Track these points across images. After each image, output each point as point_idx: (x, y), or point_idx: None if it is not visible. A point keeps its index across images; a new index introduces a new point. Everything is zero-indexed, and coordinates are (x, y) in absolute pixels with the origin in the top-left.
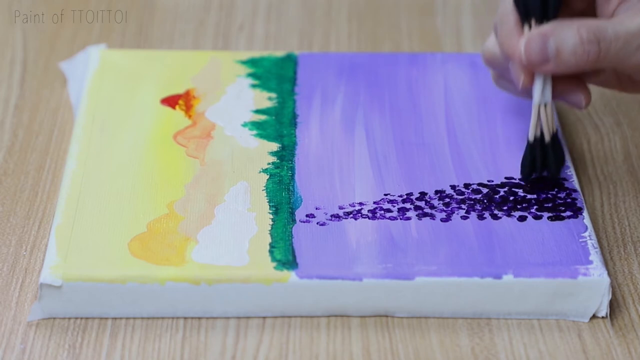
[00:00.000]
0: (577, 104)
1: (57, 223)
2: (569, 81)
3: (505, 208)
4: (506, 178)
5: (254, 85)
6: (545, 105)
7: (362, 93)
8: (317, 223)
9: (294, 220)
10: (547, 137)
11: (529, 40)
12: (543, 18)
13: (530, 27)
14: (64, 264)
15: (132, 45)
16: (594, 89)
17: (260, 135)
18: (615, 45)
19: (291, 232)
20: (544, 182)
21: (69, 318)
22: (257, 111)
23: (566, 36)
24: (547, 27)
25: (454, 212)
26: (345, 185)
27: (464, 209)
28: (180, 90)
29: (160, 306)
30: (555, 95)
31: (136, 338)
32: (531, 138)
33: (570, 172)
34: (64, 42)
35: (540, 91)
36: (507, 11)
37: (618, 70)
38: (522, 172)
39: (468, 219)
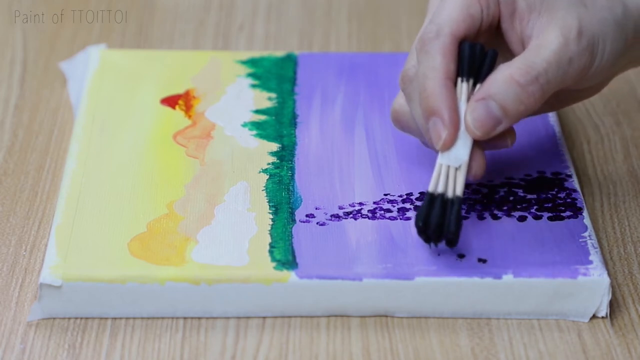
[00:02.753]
0: (502, 146)
1: (57, 223)
2: None
3: (505, 208)
4: (506, 178)
5: (253, 85)
6: (458, 168)
7: (362, 93)
8: (317, 223)
9: (293, 220)
10: (450, 195)
11: (472, 111)
12: (482, 77)
13: (468, 85)
14: (63, 264)
15: (132, 45)
16: None
17: (260, 135)
18: (552, 71)
19: (291, 232)
20: (544, 182)
21: (69, 318)
22: (257, 111)
23: (504, 90)
24: (482, 89)
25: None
26: (345, 185)
27: (464, 209)
28: (180, 90)
29: (160, 306)
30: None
31: (136, 338)
32: (431, 190)
33: (571, 172)
34: (64, 42)
35: (464, 152)
36: (434, 65)
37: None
38: (416, 221)
39: (468, 219)
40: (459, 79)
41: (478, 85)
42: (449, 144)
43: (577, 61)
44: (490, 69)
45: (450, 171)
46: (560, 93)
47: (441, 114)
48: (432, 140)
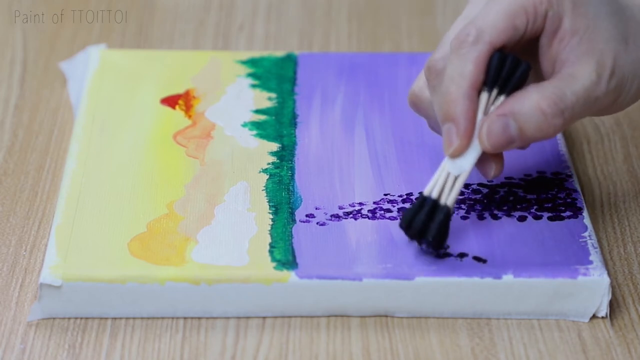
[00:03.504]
0: (485, 172)
1: (57, 223)
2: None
3: (505, 208)
4: (506, 178)
5: (253, 85)
6: (458, 177)
7: (362, 93)
8: (317, 223)
9: (293, 220)
10: (442, 202)
11: (491, 124)
12: (509, 90)
13: (489, 95)
14: (63, 264)
15: (132, 45)
16: None
17: (260, 135)
18: (578, 107)
19: (291, 232)
20: (544, 182)
21: (69, 318)
22: (257, 111)
23: (528, 114)
24: (506, 105)
25: (454, 212)
26: (345, 185)
27: (464, 209)
28: (180, 90)
29: (160, 306)
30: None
31: (136, 338)
32: (426, 193)
33: (571, 172)
34: (64, 42)
35: (468, 162)
36: (464, 72)
37: None
38: (401, 220)
39: (468, 219)
40: (483, 87)
41: (502, 97)
42: (459, 153)
43: (602, 100)
44: (520, 81)
45: (450, 178)
46: None
47: (458, 122)
48: (444, 145)
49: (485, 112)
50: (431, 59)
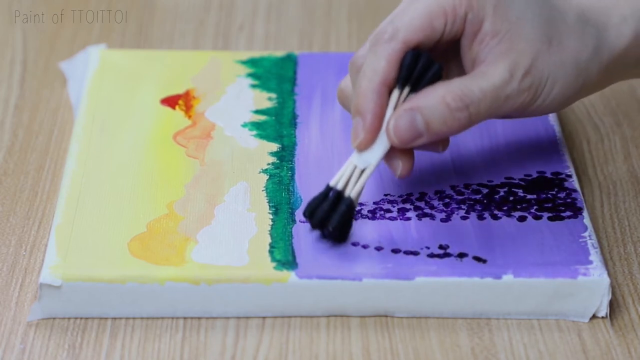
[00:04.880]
0: (393, 169)
1: (57, 223)
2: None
3: (505, 208)
4: (506, 178)
5: (253, 86)
6: (364, 170)
7: None
8: None
9: (293, 221)
10: (346, 194)
11: (397, 118)
12: (418, 86)
13: (400, 93)
14: (63, 263)
15: (132, 45)
16: None
17: (260, 136)
18: (485, 104)
19: (291, 232)
20: (544, 182)
21: (69, 318)
22: (257, 111)
23: (433, 108)
24: (413, 100)
25: (454, 213)
26: None
27: (464, 209)
28: (180, 90)
29: (160, 306)
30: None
31: (136, 338)
32: (332, 184)
33: (571, 172)
34: (64, 42)
35: (375, 156)
36: (376, 67)
37: None
38: (305, 209)
39: (468, 219)
40: (396, 85)
41: (412, 95)
42: (364, 147)
43: (514, 99)
44: (431, 81)
45: (356, 172)
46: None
47: (365, 116)
48: (351, 137)
49: (396, 109)
50: (354, 55)
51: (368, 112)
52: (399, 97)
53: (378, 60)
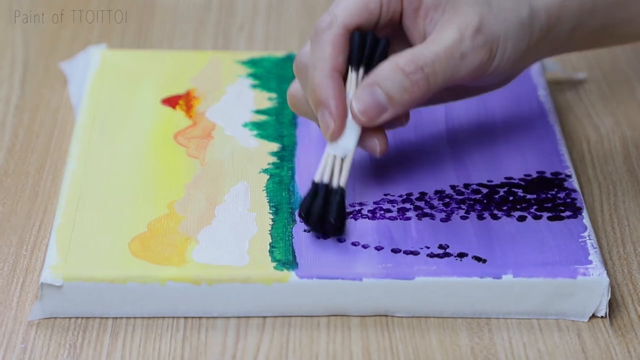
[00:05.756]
0: (372, 150)
1: (58, 223)
2: (367, 128)
3: (504, 208)
4: (506, 178)
5: (254, 86)
6: (344, 158)
7: None
8: None
9: (294, 221)
10: (335, 185)
11: (358, 97)
12: (371, 65)
13: (357, 75)
14: (64, 263)
15: (132, 45)
16: (594, 89)
17: (261, 136)
18: (440, 65)
19: (291, 232)
20: (544, 182)
21: (70, 318)
22: (258, 111)
23: (389, 77)
24: (370, 76)
25: (454, 212)
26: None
27: (464, 209)
28: (180, 90)
29: (160, 306)
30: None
31: (137, 338)
32: (317, 180)
33: (570, 172)
34: (64, 42)
35: (350, 142)
36: (323, 56)
37: (450, 86)
38: (300, 210)
39: (468, 219)
40: (350, 68)
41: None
42: (337, 135)
43: (471, 57)
44: (382, 57)
45: (337, 161)
46: (461, 87)
47: (328, 105)
48: (322, 130)
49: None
50: (298, 55)
51: (330, 99)
52: (356, 79)
53: (322, 48)
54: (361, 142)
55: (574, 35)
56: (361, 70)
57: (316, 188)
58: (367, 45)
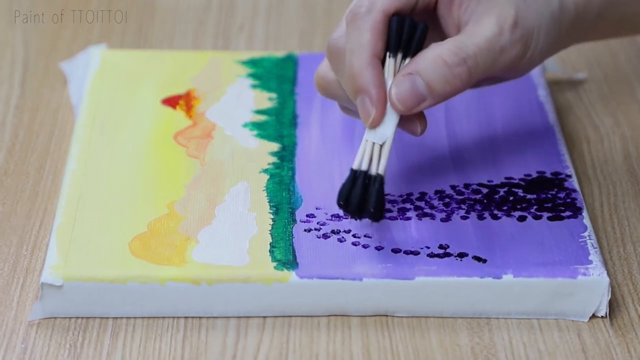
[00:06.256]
0: (411, 131)
1: (58, 223)
2: None
3: (505, 208)
4: (506, 178)
5: (254, 86)
6: (383, 144)
7: None
8: (318, 223)
9: (294, 220)
10: (373, 172)
11: (398, 85)
12: (412, 52)
13: (395, 60)
14: (64, 263)
15: (132, 45)
16: (594, 89)
17: (261, 136)
18: (482, 57)
19: (291, 232)
20: (544, 182)
21: (70, 318)
22: (258, 111)
23: (431, 68)
24: (411, 64)
25: (454, 212)
26: None
27: (464, 209)
28: (180, 90)
29: (160, 306)
30: None
31: (137, 338)
32: (355, 167)
33: (570, 172)
34: (64, 42)
35: (389, 128)
36: (362, 42)
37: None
38: (338, 197)
39: (468, 219)
40: (387, 54)
41: (407, 60)
42: (378, 122)
43: (509, 51)
44: (420, 43)
45: (375, 148)
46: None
47: (369, 92)
48: (362, 117)
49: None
50: (331, 38)
51: (371, 86)
52: (394, 66)
53: (362, 34)
54: (401, 124)
55: (597, 25)
56: (399, 56)
57: (355, 175)
58: (405, 30)
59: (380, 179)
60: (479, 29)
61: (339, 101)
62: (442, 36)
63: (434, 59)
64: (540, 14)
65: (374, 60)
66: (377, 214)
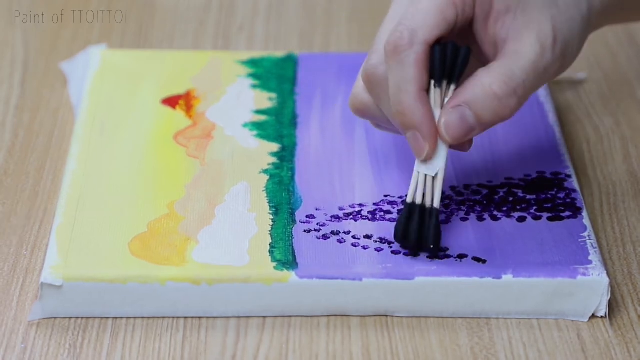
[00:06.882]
0: (462, 150)
1: (58, 223)
2: None
3: (504, 209)
4: (506, 178)
5: (254, 86)
6: (436, 175)
7: None
8: (317, 224)
9: (294, 221)
10: (428, 205)
11: (447, 117)
12: (456, 79)
13: (441, 90)
14: (64, 263)
15: (132, 45)
16: (594, 89)
17: (261, 136)
18: (529, 82)
19: (291, 232)
20: (544, 183)
21: (70, 318)
22: (258, 111)
23: (482, 100)
24: (459, 95)
25: (454, 214)
26: (345, 186)
27: (464, 210)
28: (180, 90)
29: (160, 306)
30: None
31: (137, 338)
32: (409, 200)
33: (570, 172)
34: (64, 42)
35: (441, 160)
36: (407, 77)
37: None
38: (395, 235)
39: (468, 220)
40: (432, 83)
41: (452, 87)
42: (431, 156)
43: (551, 68)
44: (464, 67)
45: (428, 180)
46: None
47: (420, 129)
48: (415, 152)
49: (441, 106)
50: (368, 66)
51: (422, 123)
52: (441, 94)
53: (406, 68)
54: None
55: (622, 11)
56: (444, 84)
57: (410, 210)
58: (448, 57)
59: (436, 212)
60: (521, 49)
61: (376, 122)
62: (478, 52)
63: (485, 91)
64: (573, 20)
65: (421, 95)
66: (436, 249)
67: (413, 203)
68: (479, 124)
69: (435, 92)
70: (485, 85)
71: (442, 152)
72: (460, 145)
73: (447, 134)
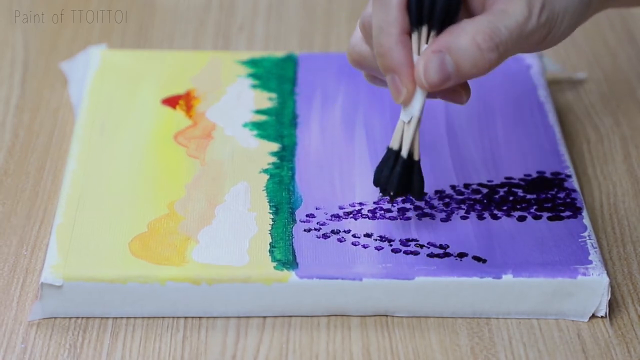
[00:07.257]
0: (458, 102)
1: (58, 223)
2: None
3: (504, 208)
4: (506, 178)
5: (254, 86)
6: (410, 121)
7: (362, 93)
8: (318, 223)
9: (294, 220)
10: (404, 153)
11: (426, 61)
12: (437, 25)
13: (419, 35)
14: (64, 263)
15: (132, 45)
16: (594, 89)
17: (261, 136)
18: (512, 42)
19: (291, 232)
20: (544, 182)
21: (70, 318)
22: (258, 111)
23: (464, 49)
24: (441, 41)
25: (454, 212)
26: (345, 185)
27: (464, 209)
28: (180, 90)
29: (160, 306)
30: (434, 95)
31: (137, 338)
32: (390, 146)
33: (570, 172)
34: (64, 42)
35: (416, 106)
36: (389, 20)
37: None
38: (375, 180)
39: (468, 219)
40: (412, 28)
41: (433, 33)
42: (409, 100)
43: (534, 35)
44: (444, 13)
45: (405, 127)
46: None
47: (399, 71)
48: (392, 95)
49: (419, 52)
50: (366, 14)
51: (400, 65)
52: (419, 39)
53: (389, 10)
54: (446, 95)
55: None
56: (424, 30)
57: (388, 155)
58: (426, 2)
59: (403, 160)
60: (509, 9)
61: (371, 72)
62: (464, 6)
63: (468, 40)
64: None
65: (403, 38)
66: (396, 196)
67: (391, 149)
68: (457, 72)
69: (414, 38)
70: (468, 34)
71: (419, 99)
72: (456, 96)
73: (424, 78)
